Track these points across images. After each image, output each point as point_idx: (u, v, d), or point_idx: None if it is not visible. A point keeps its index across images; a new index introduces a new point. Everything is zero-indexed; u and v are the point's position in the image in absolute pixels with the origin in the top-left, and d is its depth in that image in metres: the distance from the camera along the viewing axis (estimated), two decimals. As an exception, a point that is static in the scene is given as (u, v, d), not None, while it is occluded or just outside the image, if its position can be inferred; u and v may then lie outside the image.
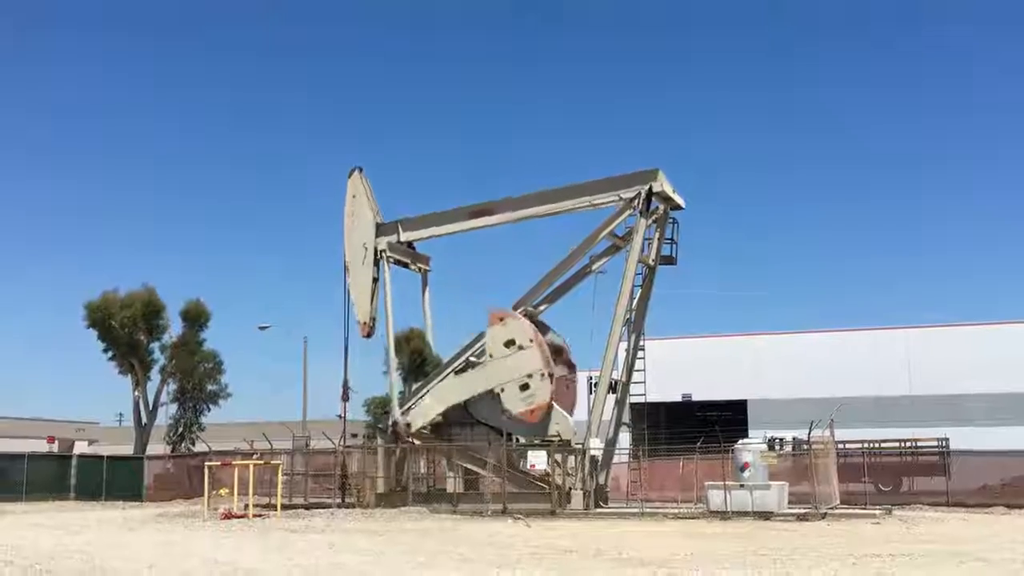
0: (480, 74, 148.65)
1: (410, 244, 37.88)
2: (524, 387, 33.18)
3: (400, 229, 37.18)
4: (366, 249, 36.94)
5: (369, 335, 37.33)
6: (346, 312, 37.34)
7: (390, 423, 35.98)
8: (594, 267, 35.76)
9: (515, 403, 33.31)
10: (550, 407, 33.22)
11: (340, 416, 38.92)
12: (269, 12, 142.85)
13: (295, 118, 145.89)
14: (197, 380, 59.14)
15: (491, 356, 34.02)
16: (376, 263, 36.99)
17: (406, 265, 37.93)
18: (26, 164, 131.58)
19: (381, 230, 37.10)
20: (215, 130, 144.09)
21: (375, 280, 36.97)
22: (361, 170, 37.77)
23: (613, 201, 34.38)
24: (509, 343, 33.69)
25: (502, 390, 33.51)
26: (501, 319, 34.18)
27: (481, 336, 34.79)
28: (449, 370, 35.60)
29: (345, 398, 37.36)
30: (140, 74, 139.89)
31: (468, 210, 36.49)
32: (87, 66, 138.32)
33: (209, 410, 61.85)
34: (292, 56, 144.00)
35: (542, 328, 35.23)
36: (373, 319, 37.01)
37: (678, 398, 53.83)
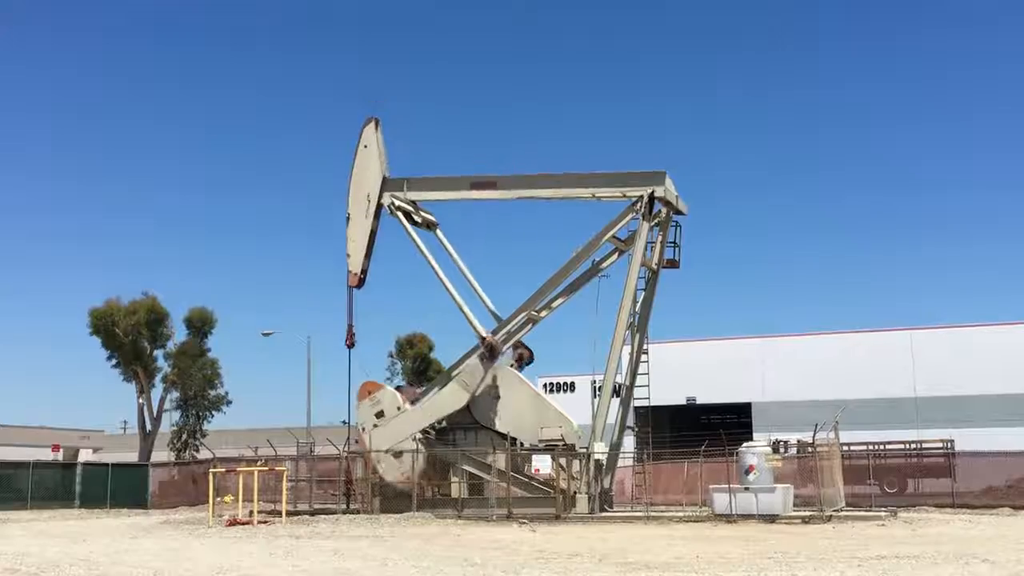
0: (478, 74, 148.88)
1: (413, 203, 37.59)
2: (398, 455, 34.87)
3: (405, 187, 37.12)
4: (369, 201, 36.96)
5: (359, 285, 37.43)
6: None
7: (482, 339, 34.57)
8: (597, 271, 35.76)
9: (391, 471, 35.06)
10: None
11: (344, 422, 38.91)
12: (268, 10, 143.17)
13: (298, 118, 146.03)
14: (198, 387, 59.31)
15: (363, 429, 36.11)
16: (377, 216, 37.08)
17: (409, 216, 37.33)
18: (26, 165, 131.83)
19: (387, 185, 37.11)
20: (217, 132, 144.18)
21: (373, 234, 37.19)
22: (378, 122, 37.68)
23: (616, 197, 34.36)
24: (379, 415, 35.55)
25: (380, 462, 35.19)
26: (369, 392, 36.27)
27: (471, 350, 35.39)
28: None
29: (350, 344, 37.22)
30: (142, 75, 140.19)
31: (471, 180, 36.61)
32: (87, 66, 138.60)
33: (212, 416, 62.10)
34: (294, 54, 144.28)
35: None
36: (365, 271, 37.12)
37: (682, 401, 53.89)
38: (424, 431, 35.93)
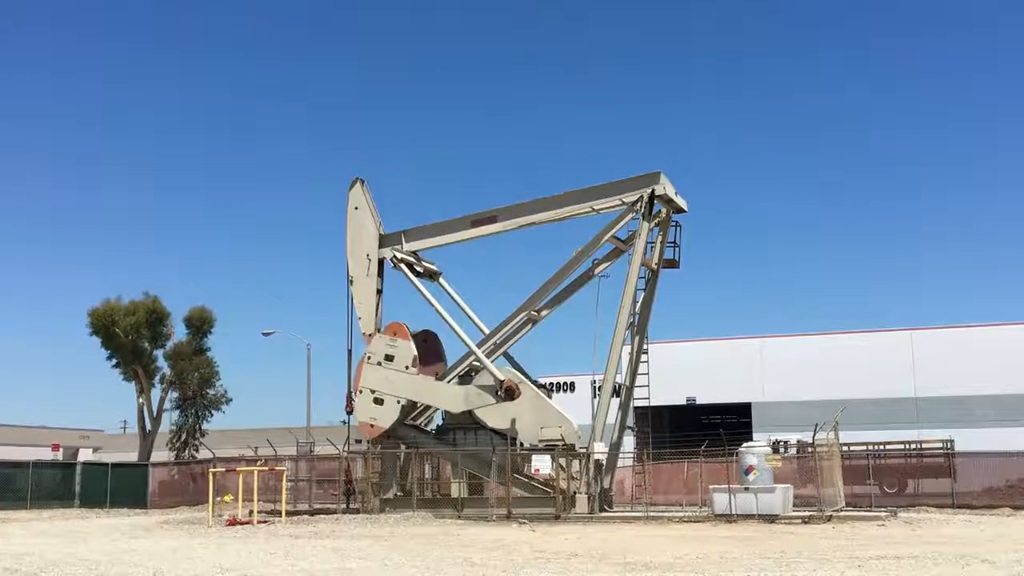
0: (479, 78, 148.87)
1: (414, 254, 37.77)
2: (379, 402, 35.36)
3: (403, 239, 37.08)
4: (369, 260, 36.89)
5: None
6: (349, 322, 37.18)
7: (500, 382, 34.21)
8: (597, 271, 35.81)
9: (362, 410, 35.55)
10: (386, 434, 35.47)
11: (344, 422, 38.92)
12: (269, 17, 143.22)
13: (298, 119, 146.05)
14: (196, 386, 59.25)
15: (368, 358, 35.89)
16: (380, 274, 37.06)
17: (411, 266, 37.33)
18: (26, 167, 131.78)
19: (384, 241, 37.09)
20: (217, 135, 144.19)
21: (379, 292, 37.08)
22: (363, 181, 37.53)
23: (616, 206, 34.42)
24: (388, 357, 35.62)
25: (360, 391, 35.61)
26: (394, 333, 35.97)
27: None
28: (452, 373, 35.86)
29: (349, 410, 37.04)
30: (141, 76, 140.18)
31: (471, 219, 36.44)
32: (86, 69, 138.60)
33: (212, 416, 62.02)
34: (294, 62, 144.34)
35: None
36: (378, 329, 36.78)
37: (682, 401, 53.93)
38: (422, 428, 36.09)
